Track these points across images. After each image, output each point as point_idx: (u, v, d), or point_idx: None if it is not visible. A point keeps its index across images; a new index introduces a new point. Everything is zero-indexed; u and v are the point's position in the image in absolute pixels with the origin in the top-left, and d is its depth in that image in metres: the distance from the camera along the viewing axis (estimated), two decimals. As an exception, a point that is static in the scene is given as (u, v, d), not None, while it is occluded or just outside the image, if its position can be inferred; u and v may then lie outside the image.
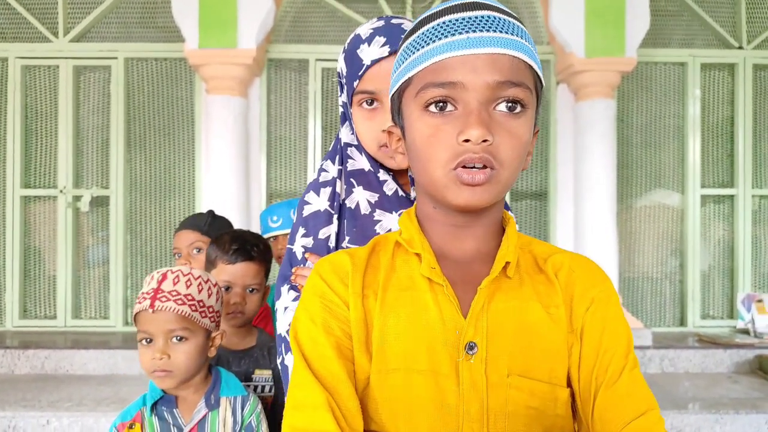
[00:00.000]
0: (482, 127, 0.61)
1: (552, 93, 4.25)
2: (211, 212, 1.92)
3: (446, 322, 0.65)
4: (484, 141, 0.62)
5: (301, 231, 1.04)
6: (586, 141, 3.95)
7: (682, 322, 4.34)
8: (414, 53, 0.66)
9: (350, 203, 1.03)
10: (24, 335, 3.94)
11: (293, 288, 1.01)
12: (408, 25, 0.99)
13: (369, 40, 0.98)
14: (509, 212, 0.79)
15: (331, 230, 1.02)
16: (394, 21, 1.00)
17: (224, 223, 1.93)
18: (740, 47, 4.32)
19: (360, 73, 0.98)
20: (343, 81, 1.04)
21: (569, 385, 0.67)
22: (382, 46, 0.97)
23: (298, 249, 1.03)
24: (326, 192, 1.04)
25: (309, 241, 1.02)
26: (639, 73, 4.29)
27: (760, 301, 4.03)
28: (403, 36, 0.73)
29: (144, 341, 1.17)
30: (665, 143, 4.39)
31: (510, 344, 0.65)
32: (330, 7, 4.23)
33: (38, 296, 4.23)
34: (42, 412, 2.72)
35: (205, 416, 1.20)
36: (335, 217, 1.03)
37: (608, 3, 3.85)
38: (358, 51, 0.99)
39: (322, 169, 1.08)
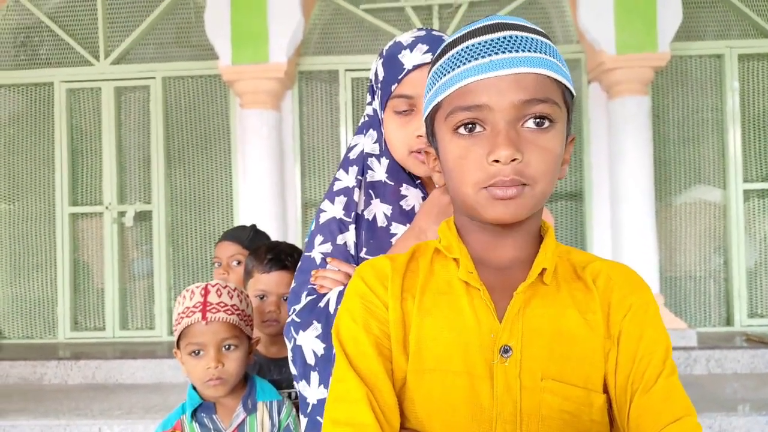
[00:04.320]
0: (511, 147, 0.63)
1: (584, 92, 4.20)
2: (254, 226, 1.98)
3: (482, 326, 0.67)
4: (514, 160, 0.63)
5: (319, 239, 1.05)
6: (620, 139, 3.89)
7: (729, 321, 4.21)
8: (441, 78, 0.69)
9: (368, 215, 1.03)
10: (75, 347, 4.12)
11: (311, 293, 1.01)
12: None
13: (411, 46, 0.99)
14: (550, 216, 0.79)
15: (346, 237, 1.03)
16: (434, 33, 1.02)
17: (265, 237, 1.98)
18: (780, 36, 4.19)
19: (400, 77, 0.98)
20: (377, 86, 1.04)
21: (606, 391, 0.67)
22: (425, 53, 0.97)
23: (316, 255, 1.04)
24: (340, 201, 1.05)
25: (328, 247, 1.03)
26: (673, 68, 4.20)
27: (811, 297, 3.88)
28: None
29: (193, 353, 1.23)
30: (704, 138, 4.28)
31: (545, 349, 0.66)
32: (358, 18, 4.30)
33: (88, 309, 4.41)
34: (94, 420, 2.84)
35: (243, 420, 1.26)
36: (351, 226, 1.03)
37: (638, -2, 3.80)
38: (399, 56, 0.99)
39: (335, 178, 1.09)
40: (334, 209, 1.05)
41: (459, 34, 0.70)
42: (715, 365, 3.52)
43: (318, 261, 1.03)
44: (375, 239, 1.02)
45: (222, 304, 1.24)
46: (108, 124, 4.34)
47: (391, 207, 1.03)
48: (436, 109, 0.70)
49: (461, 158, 0.66)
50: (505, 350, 0.66)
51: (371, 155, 1.07)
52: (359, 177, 1.06)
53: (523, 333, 0.66)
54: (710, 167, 4.27)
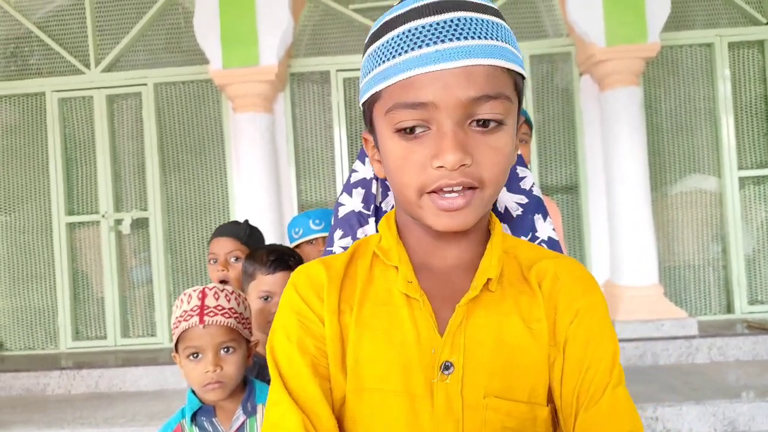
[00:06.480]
0: (458, 152, 0.57)
1: (575, 84, 4.21)
2: (247, 222, 2.01)
3: (422, 341, 0.63)
4: (462, 165, 0.58)
5: (339, 233, 1.03)
6: (613, 131, 3.89)
7: (729, 309, 4.22)
8: (381, 64, 0.62)
9: (386, 207, 1.02)
10: (78, 356, 4.12)
11: None
12: None
13: None
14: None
15: (366, 231, 1.01)
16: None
17: (259, 233, 2.01)
18: (769, 22, 4.20)
19: None
20: None
21: (551, 401, 0.65)
22: None
23: (337, 250, 1.02)
24: (359, 193, 1.03)
25: (348, 242, 1.01)
26: (664, 58, 4.21)
27: (809, 282, 3.90)
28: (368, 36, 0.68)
29: (191, 357, 1.23)
30: (697, 127, 4.29)
31: (488, 363, 0.63)
32: (347, 18, 4.30)
33: (89, 318, 4.40)
34: (98, 429, 2.85)
35: (243, 423, 1.26)
36: (371, 219, 1.01)
37: (627, -11, 3.80)
38: None
39: (352, 170, 1.07)
40: (352, 202, 1.03)
41: (400, 12, 0.61)
42: (717, 353, 3.53)
43: None
44: None
45: (219, 308, 1.24)
46: (101, 132, 4.34)
47: None
48: (375, 98, 0.63)
49: (403, 159, 0.61)
50: (446, 366, 0.62)
51: None
52: None
53: (465, 347, 0.62)
54: (704, 156, 4.28)
